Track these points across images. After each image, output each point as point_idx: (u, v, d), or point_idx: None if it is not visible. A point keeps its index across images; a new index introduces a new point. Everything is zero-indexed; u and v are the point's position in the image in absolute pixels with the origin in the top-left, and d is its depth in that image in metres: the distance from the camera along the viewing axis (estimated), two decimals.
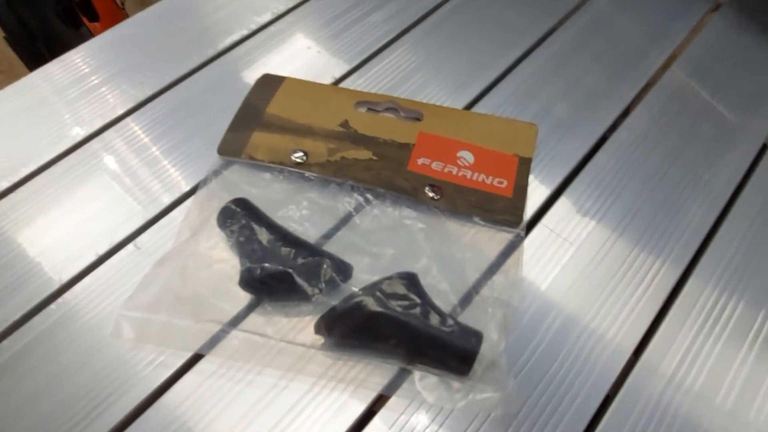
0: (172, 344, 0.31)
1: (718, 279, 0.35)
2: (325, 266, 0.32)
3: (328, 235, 0.35)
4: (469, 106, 0.42)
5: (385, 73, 0.44)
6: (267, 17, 0.47)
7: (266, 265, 0.31)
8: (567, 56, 0.45)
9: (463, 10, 0.48)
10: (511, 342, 0.32)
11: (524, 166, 0.38)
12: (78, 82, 0.43)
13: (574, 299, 0.34)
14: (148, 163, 0.39)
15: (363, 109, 0.41)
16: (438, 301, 0.31)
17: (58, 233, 0.36)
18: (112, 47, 0.45)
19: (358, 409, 0.30)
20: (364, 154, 0.38)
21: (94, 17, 0.84)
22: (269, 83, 0.42)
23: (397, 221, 0.36)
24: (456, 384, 0.30)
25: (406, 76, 0.44)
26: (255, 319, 0.32)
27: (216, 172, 0.38)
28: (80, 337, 0.32)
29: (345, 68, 0.44)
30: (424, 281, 0.32)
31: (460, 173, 0.37)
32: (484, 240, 0.35)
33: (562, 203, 0.38)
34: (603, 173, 0.39)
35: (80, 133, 0.40)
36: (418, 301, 0.30)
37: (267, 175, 0.38)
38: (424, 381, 0.30)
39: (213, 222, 0.34)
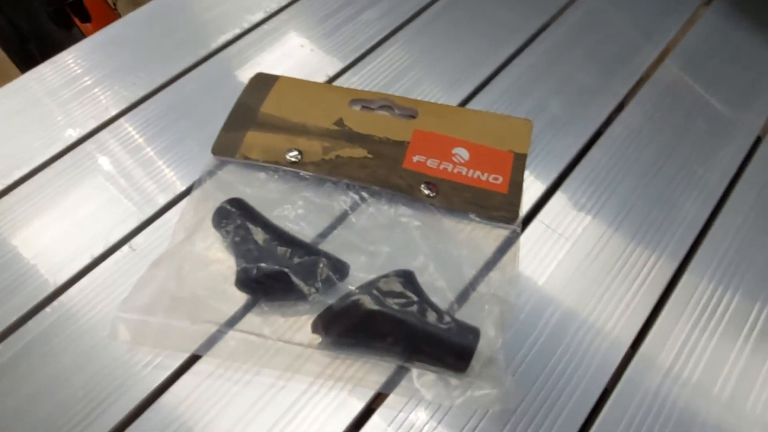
0: (169, 345, 0.31)
1: (714, 272, 0.35)
2: (321, 265, 0.32)
3: (324, 234, 0.35)
4: (464, 103, 0.42)
5: (379, 70, 0.44)
6: (260, 16, 0.47)
7: (262, 264, 0.31)
8: (560, 52, 0.45)
9: (455, 7, 0.48)
10: (508, 338, 0.32)
11: (519, 162, 0.38)
12: (70, 83, 0.43)
13: (571, 294, 0.34)
14: (142, 164, 0.39)
15: (357, 107, 0.41)
16: (435, 299, 0.31)
17: (53, 235, 0.35)
18: (104, 48, 0.45)
19: (357, 407, 0.30)
20: (359, 152, 0.38)
21: (85, 18, 0.83)
22: (263, 82, 0.42)
23: (393, 219, 0.36)
24: (454, 381, 0.30)
25: (401, 73, 0.44)
26: (252, 319, 0.32)
27: (210, 173, 0.38)
28: (77, 339, 0.32)
29: (339, 66, 0.44)
30: (421, 279, 0.32)
31: (456, 170, 0.37)
32: (480, 237, 0.35)
33: (558, 199, 0.38)
34: (598, 169, 0.39)
35: (73, 134, 0.40)
36: (414, 298, 0.30)
37: (262, 175, 0.37)
38: (422, 378, 0.30)
39: (208, 222, 0.34)
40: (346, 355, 0.31)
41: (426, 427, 0.29)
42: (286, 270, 0.31)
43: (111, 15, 0.92)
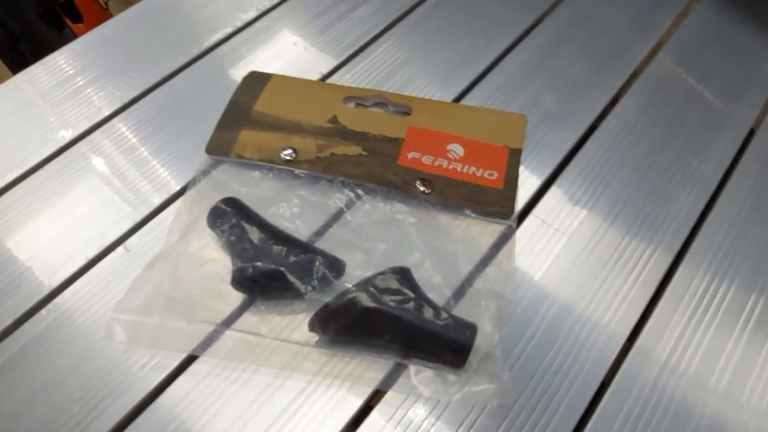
0: (166, 346, 0.31)
1: (709, 264, 0.35)
2: (317, 263, 0.32)
3: (319, 232, 0.35)
4: (458, 99, 0.42)
5: (372, 67, 0.44)
6: (252, 14, 0.47)
7: (258, 264, 0.31)
8: (553, 47, 0.45)
9: (448, 4, 0.48)
10: (505, 333, 0.32)
11: (514, 158, 0.38)
12: (63, 84, 0.43)
13: (567, 289, 0.34)
14: (136, 165, 0.38)
15: (351, 105, 0.41)
16: (431, 295, 0.31)
17: (47, 237, 0.35)
18: (95, 48, 0.45)
19: (355, 405, 0.30)
20: (353, 149, 0.38)
21: (77, 18, 0.83)
22: (256, 81, 0.42)
23: (389, 216, 0.36)
24: (451, 377, 0.30)
25: (394, 70, 0.44)
26: (248, 319, 0.32)
27: (205, 172, 0.37)
28: (72, 342, 0.31)
29: (332, 63, 0.44)
30: (417, 275, 0.32)
31: (451, 166, 0.37)
32: (476, 232, 0.35)
33: (553, 193, 0.38)
34: (592, 163, 0.39)
35: (67, 135, 0.40)
36: (411, 295, 0.30)
37: (256, 174, 0.37)
38: (419, 375, 0.30)
39: (203, 222, 0.34)
40: (343, 352, 0.31)
41: (425, 423, 0.29)
42: (282, 269, 0.31)
43: (102, 15, 0.91)
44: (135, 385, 0.30)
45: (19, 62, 0.81)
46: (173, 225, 0.35)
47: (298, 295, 0.31)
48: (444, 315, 0.30)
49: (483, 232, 0.35)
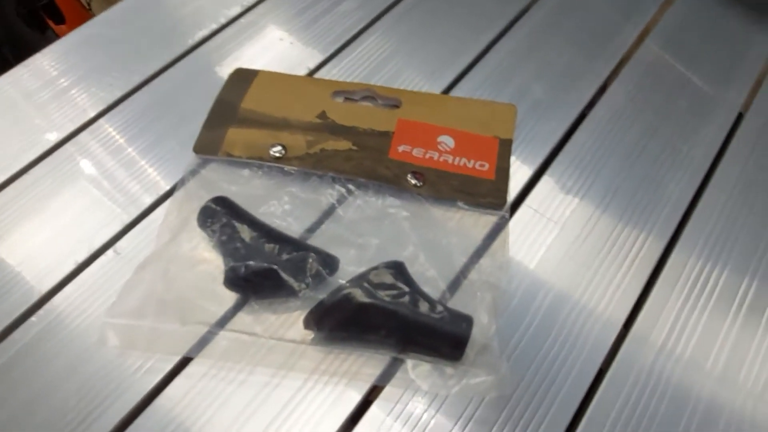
0: (160, 349, 0.31)
1: (702, 249, 0.35)
2: (310, 260, 0.31)
3: (311, 229, 0.35)
4: (447, 91, 0.42)
5: (360, 61, 0.43)
6: (236, 10, 0.46)
7: (251, 263, 0.31)
8: (540, 36, 0.45)
9: None
10: (501, 324, 0.32)
11: (505, 148, 0.38)
12: (47, 85, 0.42)
13: (562, 278, 0.34)
14: (124, 165, 0.38)
15: (340, 99, 0.40)
16: (426, 288, 0.31)
17: (36, 242, 0.35)
18: (78, 49, 0.44)
19: (353, 401, 0.30)
20: (343, 144, 0.38)
21: (59, 20, 0.81)
22: (242, 77, 0.41)
23: (381, 210, 0.35)
24: (449, 370, 0.30)
25: (382, 63, 0.43)
26: (243, 319, 0.31)
27: (193, 172, 0.37)
28: (65, 348, 0.31)
29: (319, 58, 0.44)
30: (412, 269, 0.32)
31: (442, 158, 0.37)
32: (469, 224, 0.35)
33: (545, 183, 0.38)
34: (583, 151, 0.39)
35: (52, 137, 0.39)
36: (406, 289, 0.30)
37: (246, 172, 0.37)
38: (417, 369, 0.30)
39: (193, 223, 0.34)
40: (339, 349, 0.31)
41: (424, 416, 0.29)
42: (275, 267, 0.31)
43: (85, 15, 0.90)
44: (130, 389, 0.30)
45: (1, 65, 0.80)
46: (163, 226, 0.35)
47: (292, 293, 0.31)
48: (439, 308, 0.30)
49: (476, 223, 0.35)
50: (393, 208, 0.35)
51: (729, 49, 0.45)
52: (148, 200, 0.36)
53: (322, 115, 0.39)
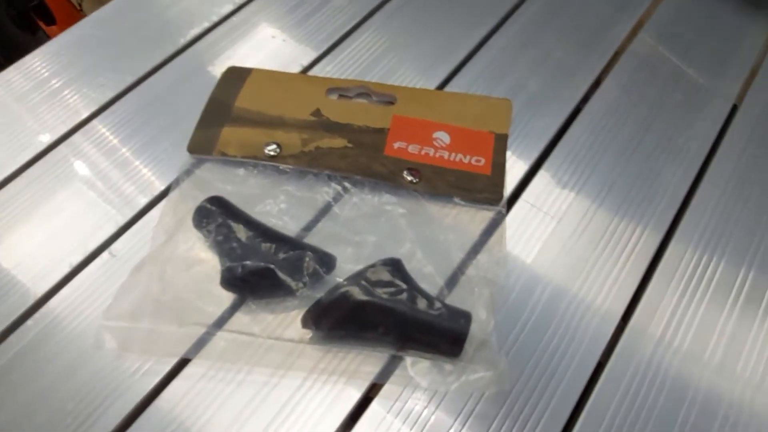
0: (158, 351, 0.30)
1: (698, 241, 0.35)
2: (307, 259, 0.31)
3: (308, 228, 0.35)
4: (441, 86, 0.42)
5: (353, 58, 0.43)
6: (228, 8, 0.46)
7: (247, 262, 0.31)
8: (534, 30, 0.45)
9: None
10: (499, 320, 0.32)
11: (501, 143, 0.38)
12: (38, 87, 0.42)
13: (559, 272, 0.34)
14: (118, 166, 0.38)
15: (334, 96, 0.40)
16: (424, 285, 0.31)
17: (30, 246, 0.34)
18: (69, 49, 0.44)
19: (352, 399, 0.29)
20: (338, 142, 0.37)
21: (50, 21, 0.81)
22: (236, 76, 0.41)
23: (378, 208, 0.35)
24: (448, 366, 0.30)
25: (376, 59, 0.43)
26: (240, 319, 0.31)
27: (188, 172, 0.37)
28: (61, 351, 0.31)
29: (313, 55, 0.43)
30: (409, 266, 0.32)
31: (437, 154, 0.37)
32: (466, 220, 0.35)
33: (541, 178, 0.38)
34: (578, 146, 0.39)
35: (45, 139, 0.39)
36: (404, 286, 0.30)
37: (241, 171, 0.37)
38: (416, 366, 0.30)
39: (189, 223, 0.34)
40: (338, 348, 0.31)
41: (425, 412, 0.29)
42: (272, 266, 0.31)
43: (76, 16, 0.89)
44: (128, 392, 0.30)
45: None
46: (158, 227, 0.34)
47: (289, 292, 0.31)
48: (438, 305, 0.30)
49: (473, 219, 0.35)
50: (389, 205, 0.35)
51: (723, 41, 0.45)
52: (143, 201, 0.36)
53: (317, 113, 0.39)
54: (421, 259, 0.33)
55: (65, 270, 0.33)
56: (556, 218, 0.36)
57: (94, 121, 0.40)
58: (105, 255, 0.34)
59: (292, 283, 0.31)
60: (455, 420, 0.29)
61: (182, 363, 0.30)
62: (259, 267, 0.31)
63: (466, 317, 0.30)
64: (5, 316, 0.32)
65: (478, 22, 0.45)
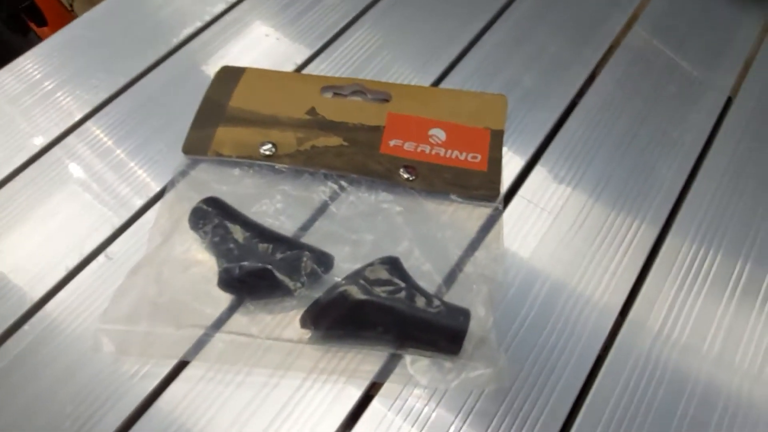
0: (156, 353, 0.30)
1: (695, 234, 0.35)
2: (305, 259, 0.31)
3: (305, 227, 0.35)
4: (436, 83, 0.42)
5: (347, 55, 0.43)
6: (221, 7, 0.46)
7: (244, 263, 0.31)
8: (528, 26, 0.45)
9: None
10: (498, 316, 0.32)
11: (497, 139, 0.38)
12: (31, 89, 0.41)
13: (557, 267, 0.34)
14: (112, 168, 0.37)
15: (329, 95, 0.40)
16: (422, 283, 0.31)
17: (25, 249, 0.34)
18: (61, 51, 0.43)
19: (353, 398, 0.29)
20: (334, 140, 0.37)
21: (41, 22, 0.80)
22: (229, 75, 0.41)
23: (374, 206, 0.35)
24: (448, 364, 0.30)
25: (370, 57, 0.43)
26: (238, 320, 0.31)
27: (183, 173, 0.37)
28: (59, 355, 0.31)
29: (306, 53, 0.43)
30: (407, 264, 0.32)
31: (434, 151, 0.37)
32: (463, 217, 0.35)
33: (537, 173, 0.38)
34: (574, 141, 0.39)
35: (38, 142, 0.39)
36: (402, 284, 0.30)
37: (236, 171, 0.37)
38: (415, 364, 0.30)
39: (185, 224, 0.33)
40: (337, 347, 0.30)
41: (425, 410, 0.29)
42: (270, 267, 0.31)
43: (67, 17, 0.89)
44: (127, 395, 0.29)
45: None
46: (154, 229, 0.34)
47: (287, 292, 0.31)
48: (436, 302, 0.30)
49: (470, 216, 0.35)
50: (386, 203, 0.35)
51: (717, 34, 0.45)
52: (139, 203, 0.36)
53: (312, 112, 0.39)
54: (419, 256, 0.33)
55: (61, 273, 0.33)
56: (553, 214, 0.36)
57: (88, 123, 0.40)
58: (101, 258, 0.34)
59: (290, 283, 0.31)
60: (456, 417, 0.29)
61: (181, 365, 0.30)
62: (256, 268, 0.31)
63: (465, 314, 0.30)
64: (2, 320, 0.32)
65: (472, 17, 0.45)
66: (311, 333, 0.31)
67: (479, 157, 0.37)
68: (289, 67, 0.42)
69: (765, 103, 0.42)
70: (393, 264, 0.31)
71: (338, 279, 0.30)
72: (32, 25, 0.80)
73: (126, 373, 0.30)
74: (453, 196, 0.36)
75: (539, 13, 0.46)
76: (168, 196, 0.35)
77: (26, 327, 0.32)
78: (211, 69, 0.42)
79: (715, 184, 0.38)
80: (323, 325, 0.30)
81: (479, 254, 0.34)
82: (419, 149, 0.37)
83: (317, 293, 0.30)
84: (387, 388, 0.30)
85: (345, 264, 0.32)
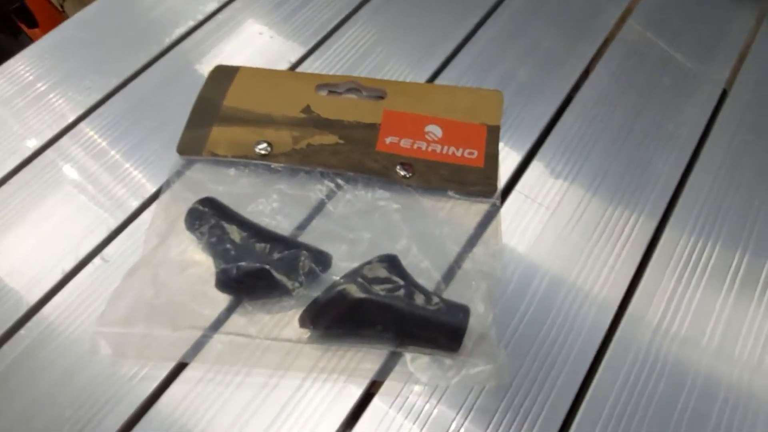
0: (153, 355, 0.30)
1: (693, 227, 0.35)
2: (302, 258, 0.31)
3: (302, 226, 0.34)
4: (432, 79, 0.42)
5: (342, 53, 0.43)
6: (213, 6, 0.46)
7: (242, 263, 0.31)
8: (522, 20, 0.45)
9: None
10: (497, 312, 0.32)
11: (493, 135, 0.38)
12: (23, 91, 0.41)
13: (556, 262, 0.34)
14: (107, 170, 0.37)
15: (324, 93, 0.40)
16: (421, 280, 0.31)
17: (21, 253, 0.34)
18: (53, 52, 0.43)
19: (353, 397, 0.29)
20: (330, 138, 0.37)
21: (32, 23, 0.80)
22: (223, 74, 0.41)
23: (371, 204, 0.35)
24: (448, 361, 0.30)
25: (364, 54, 0.43)
26: (237, 320, 0.31)
27: (178, 173, 0.36)
28: (56, 359, 0.30)
29: (300, 51, 0.43)
30: (405, 261, 0.31)
31: (430, 148, 0.37)
32: (460, 213, 0.35)
33: (534, 168, 0.38)
34: (570, 135, 0.39)
35: (32, 144, 0.38)
36: (401, 282, 0.30)
37: (232, 171, 0.36)
38: (415, 362, 0.30)
39: (181, 225, 0.33)
40: (336, 346, 0.30)
41: (426, 407, 0.29)
42: (267, 267, 0.30)
43: (58, 18, 0.88)
44: (126, 398, 0.29)
45: None
46: (150, 231, 0.34)
47: (285, 292, 0.31)
48: (435, 300, 0.30)
49: (467, 212, 0.35)
50: (383, 200, 0.35)
51: (711, 26, 0.45)
52: (134, 204, 0.36)
53: (307, 110, 0.38)
54: (417, 254, 0.33)
55: (58, 276, 0.33)
56: (550, 209, 0.36)
57: (81, 124, 0.39)
58: (97, 260, 0.34)
59: (288, 283, 0.31)
60: (457, 413, 0.29)
61: (180, 366, 0.30)
62: (254, 268, 0.30)
63: (464, 311, 0.30)
64: None
65: (467, 13, 0.45)
66: (310, 332, 0.31)
67: (476, 153, 0.37)
68: (283, 66, 0.42)
69: (760, 95, 0.42)
70: (391, 262, 0.31)
71: (336, 278, 0.30)
72: (23, 27, 0.80)
73: (124, 376, 0.30)
74: (450, 193, 0.36)
75: (533, 7, 0.46)
76: (163, 197, 0.35)
77: (23, 331, 0.31)
78: (205, 68, 0.41)
79: (712, 176, 0.38)
80: (322, 324, 0.30)
81: (477, 250, 0.34)
82: (415, 146, 0.37)
83: (315, 292, 0.30)
84: (387, 386, 0.30)
85: (343, 263, 0.32)
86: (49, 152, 0.38)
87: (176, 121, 0.38)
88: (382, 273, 0.30)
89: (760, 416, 0.30)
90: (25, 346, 0.31)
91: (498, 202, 0.35)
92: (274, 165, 0.36)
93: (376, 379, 0.30)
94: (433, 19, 0.45)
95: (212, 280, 0.31)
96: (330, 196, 0.36)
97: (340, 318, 0.30)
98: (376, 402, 0.29)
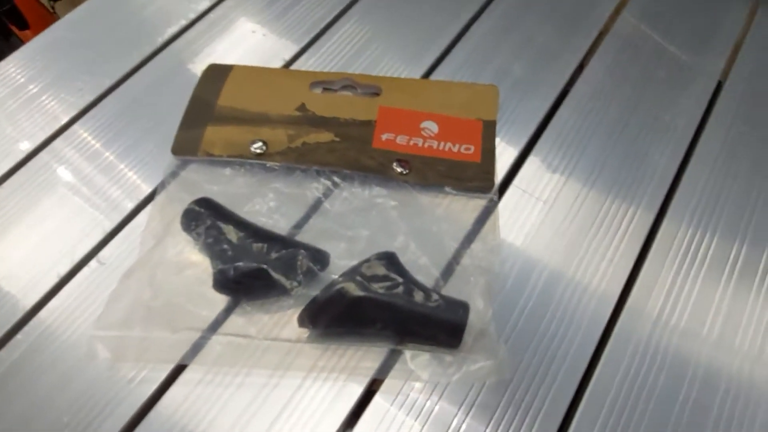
0: (152, 358, 0.30)
1: (691, 218, 0.35)
2: (300, 257, 0.31)
3: (299, 225, 0.34)
4: (427, 75, 0.41)
5: (336, 50, 0.43)
6: (205, 4, 0.45)
7: (239, 264, 0.30)
8: (516, 14, 0.45)
9: None
10: (497, 308, 0.32)
11: (489, 130, 0.38)
12: (15, 93, 0.41)
13: (554, 257, 0.34)
14: (101, 171, 0.37)
15: (319, 90, 0.40)
16: (420, 277, 0.31)
17: (16, 257, 0.34)
18: (44, 53, 0.43)
19: (354, 396, 0.29)
20: (325, 136, 0.37)
21: (23, 25, 0.79)
22: (217, 73, 0.40)
23: (368, 201, 0.35)
24: (448, 358, 0.30)
25: (358, 51, 0.43)
26: (235, 321, 0.31)
27: (173, 174, 0.36)
28: (54, 364, 0.30)
29: (294, 49, 0.43)
30: (404, 258, 0.31)
31: (426, 144, 0.37)
32: (458, 209, 0.35)
33: (531, 163, 0.37)
34: (567, 129, 0.39)
35: (25, 147, 0.38)
36: (399, 279, 0.30)
37: (227, 171, 0.36)
38: (416, 359, 0.30)
39: (177, 226, 0.33)
40: (336, 345, 0.30)
41: (428, 404, 0.29)
42: (265, 266, 0.30)
43: (49, 19, 0.87)
44: (125, 402, 0.29)
45: None
46: (146, 232, 0.34)
47: (283, 291, 0.30)
48: (435, 296, 0.30)
49: (465, 207, 0.35)
50: (380, 197, 0.35)
51: (705, 18, 0.45)
52: (130, 206, 0.35)
53: (302, 108, 0.38)
54: (415, 251, 0.33)
55: (54, 280, 0.33)
56: (548, 203, 0.36)
57: (75, 126, 0.39)
58: (93, 263, 0.33)
59: (287, 283, 0.30)
60: (458, 410, 0.29)
61: (179, 368, 0.30)
62: (251, 268, 0.30)
63: (463, 307, 0.30)
64: None
65: (460, 8, 0.45)
66: (309, 332, 0.30)
67: (472, 148, 0.37)
68: (277, 64, 0.42)
69: (755, 86, 0.42)
70: (389, 259, 0.31)
71: (335, 276, 0.30)
72: (14, 29, 0.79)
73: (123, 379, 0.30)
74: (447, 189, 0.35)
75: (527, 1, 0.45)
76: (159, 198, 0.35)
77: (19, 336, 0.31)
78: (198, 67, 0.41)
79: (709, 168, 0.38)
80: (321, 323, 0.30)
81: (476, 246, 0.33)
82: (412, 142, 0.37)
83: (314, 291, 0.30)
84: (388, 384, 0.30)
85: (341, 261, 0.32)
86: (42, 155, 0.38)
87: (170, 122, 0.38)
88: (381, 270, 0.30)
89: (761, 406, 0.30)
90: (22, 350, 0.31)
91: (495, 198, 0.35)
92: (269, 164, 0.36)
93: (377, 377, 0.30)
94: (427, 14, 0.45)
95: (210, 281, 0.31)
96: (327, 194, 0.35)
97: (340, 317, 0.29)
98: (377, 400, 0.29)
